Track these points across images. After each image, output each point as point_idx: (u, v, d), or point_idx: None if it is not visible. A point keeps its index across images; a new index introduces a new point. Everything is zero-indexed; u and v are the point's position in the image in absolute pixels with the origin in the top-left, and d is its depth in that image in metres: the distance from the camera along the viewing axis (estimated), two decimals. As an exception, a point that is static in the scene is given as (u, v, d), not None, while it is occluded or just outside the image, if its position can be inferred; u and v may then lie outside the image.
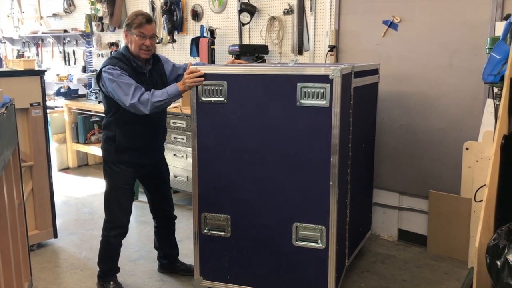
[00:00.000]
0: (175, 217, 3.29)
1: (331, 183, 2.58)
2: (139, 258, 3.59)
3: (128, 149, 2.89)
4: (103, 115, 5.43)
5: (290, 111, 2.58)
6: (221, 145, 2.73)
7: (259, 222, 2.75)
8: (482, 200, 2.86)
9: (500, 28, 3.15)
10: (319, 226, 2.65)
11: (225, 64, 3.01)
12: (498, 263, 1.79)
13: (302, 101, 2.54)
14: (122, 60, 2.78)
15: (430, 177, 3.67)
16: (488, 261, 1.89)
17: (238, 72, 2.67)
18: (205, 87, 2.67)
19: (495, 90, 2.76)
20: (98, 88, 2.90)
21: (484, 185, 2.88)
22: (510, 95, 2.35)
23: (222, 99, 2.66)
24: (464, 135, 3.45)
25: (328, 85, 2.48)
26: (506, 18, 2.41)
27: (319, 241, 2.66)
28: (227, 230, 2.80)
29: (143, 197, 4.93)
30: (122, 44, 5.55)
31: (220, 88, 2.65)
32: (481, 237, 2.22)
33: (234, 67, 2.81)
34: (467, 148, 3.39)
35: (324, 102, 2.51)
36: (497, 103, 2.77)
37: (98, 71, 2.82)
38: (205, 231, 2.83)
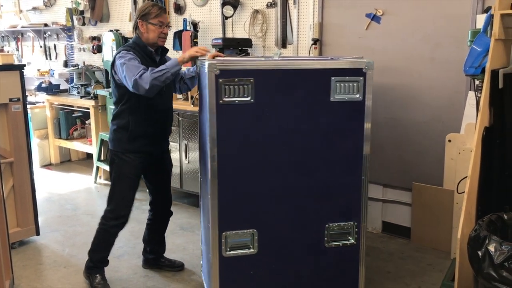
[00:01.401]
0: (172, 213, 3.28)
1: (363, 177, 2.54)
2: (123, 254, 3.56)
3: (141, 137, 2.91)
4: (86, 110, 5.48)
5: (323, 107, 2.43)
6: (246, 151, 2.41)
7: (289, 230, 2.55)
8: (464, 192, 2.90)
9: (481, 20, 3.17)
10: (351, 223, 2.59)
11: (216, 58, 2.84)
12: (479, 253, 1.81)
13: (337, 96, 2.43)
14: (135, 48, 2.84)
15: (413, 170, 3.69)
16: (469, 251, 1.91)
17: (267, 67, 2.39)
18: (227, 85, 2.31)
19: (477, 82, 2.79)
20: (111, 77, 2.91)
21: (466, 176, 2.91)
22: (491, 88, 2.37)
23: (248, 98, 2.34)
24: (447, 127, 3.47)
25: (362, 78, 2.43)
26: (486, 11, 2.43)
27: (350, 237, 2.61)
28: (253, 246, 2.51)
29: (127, 193, 4.91)
30: (102, 38, 5.48)
31: (246, 85, 2.33)
32: (463, 228, 2.25)
33: (261, 61, 2.56)
34: (449, 140, 3.41)
35: (358, 95, 2.45)
36: (478, 95, 2.80)
37: (112, 60, 2.85)
38: (227, 252, 2.48)
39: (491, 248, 1.76)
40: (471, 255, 1.89)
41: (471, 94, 3.30)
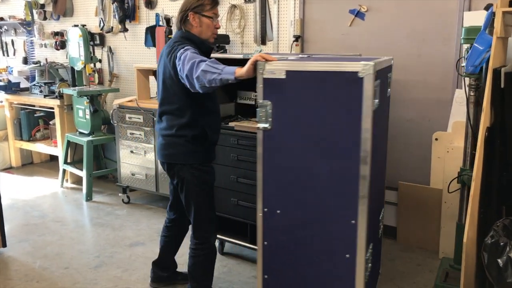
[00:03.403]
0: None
1: None
2: (100, 265, 3.33)
3: (213, 144, 2.66)
4: (50, 109, 5.16)
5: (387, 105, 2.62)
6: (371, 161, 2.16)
7: (371, 229, 2.50)
8: (454, 191, 2.88)
9: (468, 18, 3.14)
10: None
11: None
12: (500, 261, 1.74)
13: (388, 92, 2.62)
14: (191, 45, 2.45)
15: (399, 168, 3.64)
16: (486, 259, 1.84)
17: (381, 66, 2.22)
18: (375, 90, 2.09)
19: (468, 81, 2.75)
20: (169, 79, 2.47)
21: (457, 176, 2.88)
22: (492, 87, 2.32)
23: (377, 101, 2.16)
24: (433, 126, 3.43)
25: (391, 74, 2.68)
26: (487, 8, 2.38)
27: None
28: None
29: (97, 197, 4.66)
30: (68, 34, 5.17)
31: (376, 88, 2.15)
32: (468, 231, 2.19)
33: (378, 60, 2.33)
34: (436, 139, 3.38)
35: (389, 89, 2.65)
36: (471, 93, 2.76)
37: (172, 58, 2.41)
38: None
39: (514, 256, 1.69)
40: (488, 263, 1.82)
41: (458, 92, 3.27)
